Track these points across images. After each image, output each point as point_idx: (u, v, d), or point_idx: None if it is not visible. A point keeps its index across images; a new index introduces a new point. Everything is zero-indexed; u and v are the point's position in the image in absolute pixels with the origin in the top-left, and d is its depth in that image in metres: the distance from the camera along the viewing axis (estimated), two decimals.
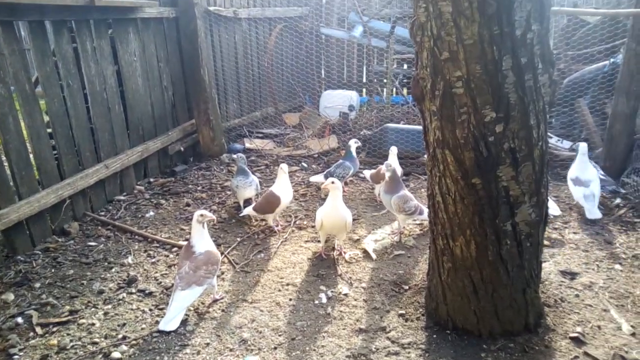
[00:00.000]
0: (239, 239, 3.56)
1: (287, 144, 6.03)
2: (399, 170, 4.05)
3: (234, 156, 4.01)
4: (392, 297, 2.74)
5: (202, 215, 2.68)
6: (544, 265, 2.69)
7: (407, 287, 2.83)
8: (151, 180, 4.81)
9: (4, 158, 3.33)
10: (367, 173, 4.31)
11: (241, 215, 3.77)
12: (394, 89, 7.05)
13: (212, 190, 4.57)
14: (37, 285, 3.00)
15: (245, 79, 6.49)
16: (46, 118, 3.66)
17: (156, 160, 4.96)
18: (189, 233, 3.12)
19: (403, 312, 2.58)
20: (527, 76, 1.90)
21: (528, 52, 1.87)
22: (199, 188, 4.64)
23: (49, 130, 3.68)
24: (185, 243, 2.89)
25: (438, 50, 1.93)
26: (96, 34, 4.03)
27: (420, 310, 2.58)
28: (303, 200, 4.29)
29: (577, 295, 2.67)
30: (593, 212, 3.53)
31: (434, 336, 2.37)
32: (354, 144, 4.39)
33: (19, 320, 2.65)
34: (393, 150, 4.10)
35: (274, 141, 6.12)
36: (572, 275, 2.87)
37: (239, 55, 6.31)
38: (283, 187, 3.59)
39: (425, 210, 3.25)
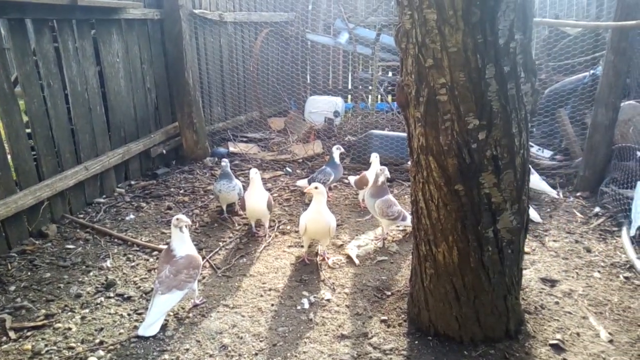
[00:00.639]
0: (221, 244, 3.52)
1: (272, 149, 6.00)
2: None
3: (223, 163, 3.94)
4: (374, 303, 2.74)
5: (177, 219, 2.65)
6: (524, 272, 2.72)
7: (389, 293, 2.83)
8: (132, 182, 4.73)
9: None
10: (352, 179, 4.32)
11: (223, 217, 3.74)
12: (379, 96, 7.10)
13: (195, 194, 4.52)
14: (12, 288, 2.92)
15: (230, 83, 6.46)
16: (25, 118, 3.59)
17: (138, 162, 4.89)
18: (170, 237, 3.08)
19: (385, 318, 2.58)
20: (510, 85, 1.93)
21: (511, 61, 1.89)
22: (181, 191, 4.58)
23: (28, 130, 3.60)
24: (165, 247, 2.85)
25: (422, 57, 1.95)
26: (78, 34, 3.97)
27: (403, 316, 2.58)
28: (287, 205, 4.27)
29: (557, 303, 2.71)
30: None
31: (416, 342, 2.37)
32: (336, 150, 4.38)
33: None
34: (375, 158, 4.09)
35: (258, 145, 6.10)
36: (552, 283, 2.91)
37: (224, 58, 6.28)
38: (254, 192, 3.51)
39: (409, 217, 3.27)
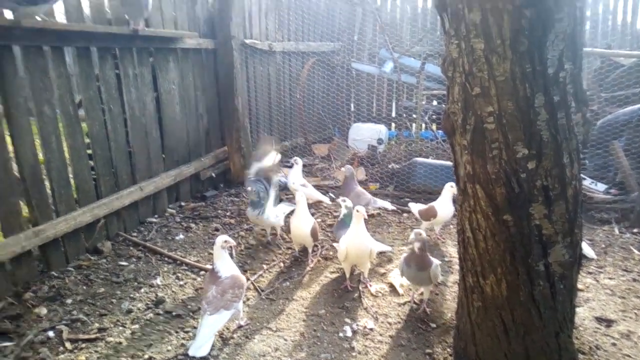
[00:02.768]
0: (265, 266, 3.58)
1: (315, 174, 6.09)
2: (451, 211, 3.89)
3: (248, 188, 3.93)
4: (418, 335, 2.69)
5: (225, 241, 2.73)
6: (577, 310, 2.60)
7: (434, 325, 2.77)
8: (182, 204, 4.92)
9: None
10: (414, 208, 4.12)
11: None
12: (423, 124, 7.09)
13: (241, 217, 4.63)
14: (69, 301, 3.08)
15: (277, 110, 6.66)
16: (87, 140, 3.84)
17: (188, 184, 5.09)
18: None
19: (430, 351, 2.53)
20: (560, 114, 1.91)
21: (561, 90, 1.88)
22: (228, 213, 4.71)
23: (89, 151, 3.84)
24: (210, 268, 2.94)
25: (469, 85, 1.97)
26: (138, 62, 4.24)
27: (448, 350, 2.52)
28: (329, 231, 4.30)
29: (614, 344, 2.56)
30: None
31: None
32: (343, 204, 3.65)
33: (50, 334, 2.71)
34: (448, 188, 3.87)
35: (302, 171, 6.19)
36: (608, 323, 2.76)
37: (272, 86, 6.50)
38: (299, 217, 3.54)
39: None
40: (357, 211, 3.06)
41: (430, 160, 5.30)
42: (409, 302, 3.05)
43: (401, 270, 2.93)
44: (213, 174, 5.40)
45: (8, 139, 3.12)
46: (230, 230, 4.28)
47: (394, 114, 7.87)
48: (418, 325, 2.78)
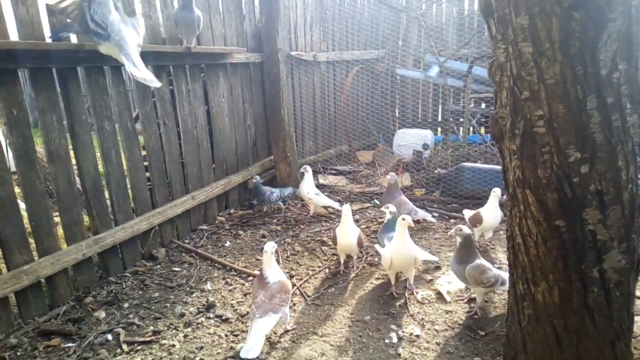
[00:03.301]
0: (310, 272, 3.63)
1: (360, 181, 6.10)
2: (499, 216, 3.83)
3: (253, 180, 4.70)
4: (467, 343, 2.64)
5: (273, 246, 2.80)
6: (637, 319, 2.46)
7: (483, 333, 2.71)
8: (231, 211, 5.08)
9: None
10: (467, 213, 4.10)
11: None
12: (471, 128, 6.94)
13: (287, 224, 4.72)
14: (126, 305, 3.26)
15: (321, 118, 6.74)
16: (143, 152, 4.05)
17: (237, 193, 5.25)
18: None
19: (478, 359, 2.47)
20: (614, 116, 1.83)
21: (615, 91, 1.81)
22: (275, 221, 4.81)
23: (145, 163, 4.05)
24: (258, 273, 3.01)
25: (518, 89, 1.93)
26: (191, 78, 4.44)
27: (498, 358, 2.46)
28: (374, 237, 4.29)
29: None
30: None
31: None
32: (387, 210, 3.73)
33: (109, 336, 2.87)
34: (496, 192, 3.81)
35: (347, 178, 6.23)
36: None
37: (317, 95, 6.60)
38: (346, 228, 3.54)
39: (507, 279, 2.69)
40: (403, 219, 3.06)
41: (478, 165, 5.18)
42: (468, 306, 2.99)
43: (451, 265, 3.06)
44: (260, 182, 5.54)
45: (72, 153, 3.36)
46: (277, 237, 4.37)
47: (439, 119, 7.76)
48: (466, 332, 2.73)
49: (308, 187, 4.81)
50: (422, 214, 4.33)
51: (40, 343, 2.82)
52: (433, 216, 4.53)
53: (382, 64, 7.52)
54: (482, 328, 2.76)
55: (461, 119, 7.04)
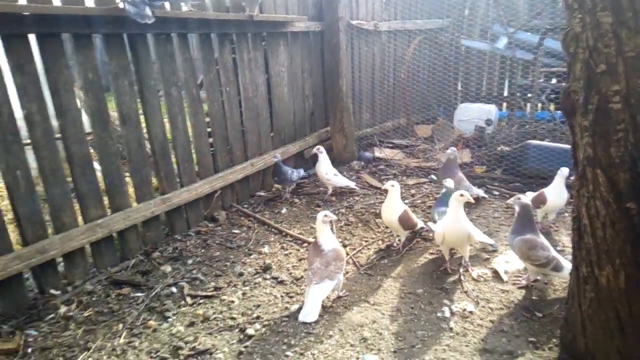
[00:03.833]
0: (364, 243, 3.67)
1: (417, 155, 6.00)
2: (565, 197, 3.64)
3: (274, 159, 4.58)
4: (522, 323, 2.59)
5: (326, 215, 2.85)
6: None
7: (540, 315, 2.65)
8: None
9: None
10: (530, 196, 3.87)
11: None
12: (540, 104, 6.58)
13: (342, 195, 4.77)
14: (190, 261, 3.46)
15: (380, 90, 6.64)
16: (206, 119, 4.20)
17: (293, 162, 5.34)
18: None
19: (534, 339, 2.43)
20: None
21: None
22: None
23: (209, 129, 4.21)
24: (313, 240, 3.09)
25: (594, 62, 1.81)
26: (252, 46, 4.51)
27: (554, 340, 2.40)
28: (429, 212, 4.24)
29: None
30: None
31: None
32: (445, 183, 3.69)
33: (174, 289, 3.09)
34: (562, 172, 3.63)
35: (403, 152, 6.15)
36: None
37: (376, 66, 6.48)
38: (389, 205, 3.46)
39: (565, 266, 2.66)
40: (461, 195, 2.99)
41: (545, 143, 4.93)
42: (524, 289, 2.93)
43: (507, 237, 3.00)
44: None
45: (142, 118, 3.55)
46: (331, 207, 4.43)
47: (505, 93, 7.40)
48: (522, 313, 2.67)
49: (325, 167, 4.65)
50: (476, 190, 4.25)
51: (112, 291, 3.08)
52: (493, 195, 4.40)
53: (446, 34, 7.23)
54: (539, 309, 2.69)
55: (529, 94, 6.69)
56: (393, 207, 3.43)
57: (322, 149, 4.73)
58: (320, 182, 4.93)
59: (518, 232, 2.85)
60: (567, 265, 2.63)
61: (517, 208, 2.90)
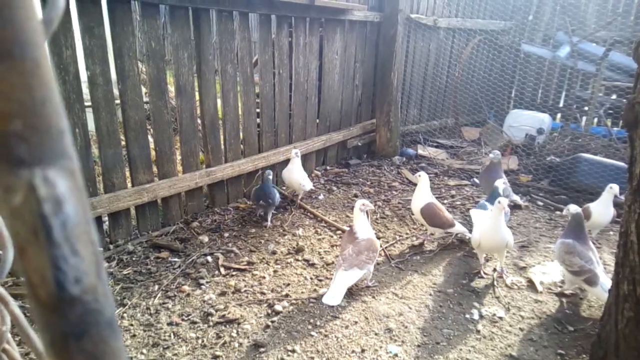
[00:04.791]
0: (397, 237, 3.67)
1: (461, 157, 5.90)
2: (611, 214, 3.56)
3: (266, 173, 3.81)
4: (552, 334, 2.53)
5: (363, 204, 2.86)
6: None
7: (572, 329, 2.58)
8: (328, 168, 5.23)
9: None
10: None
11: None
12: (596, 119, 6.31)
13: (380, 187, 4.76)
14: (226, 234, 3.57)
15: (431, 87, 6.54)
16: (256, 100, 4.28)
17: (335, 150, 5.37)
18: (353, 221, 3.35)
19: (562, 352, 2.37)
20: None
21: None
22: (368, 183, 4.87)
23: (257, 110, 4.29)
24: (348, 228, 3.12)
25: None
26: (309, 31, 4.54)
27: (583, 356, 2.34)
28: (468, 215, 4.18)
29: None
30: None
31: None
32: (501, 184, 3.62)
33: (209, 259, 3.20)
34: (612, 189, 3.50)
35: (447, 152, 6.05)
36: None
37: (430, 63, 6.38)
38: (416, 195, 3.51)
39: (601, 283, 2.58)
40: (499, 202, 2.92)
41: (598, 158, 4.73)
42: (558, 300, 2.86)
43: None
44: (359, 144, 5.60)
45: (196, 92, 3.66)
46: (368, 198, 4.43)
47: (561, 104, 7.12)
48: (554, 325, 2.61)
49: (300, 173, 4.11)
50: (514, 197, 4.21)
51: (152, 253, 3.23)
52: (537, 205, 4.28)
53: (507, 36, 7.02)
54: (571, 324, 2.62)
55: (586, 108, 6.42)
56: (418, 197, 3.45)
57: (298, 152, 4.15)
58: (352, 175, 4.82)
59: (564, 236, 2.88)
60: (604, 283, 2.55)
61: (569, 217, 2.90)
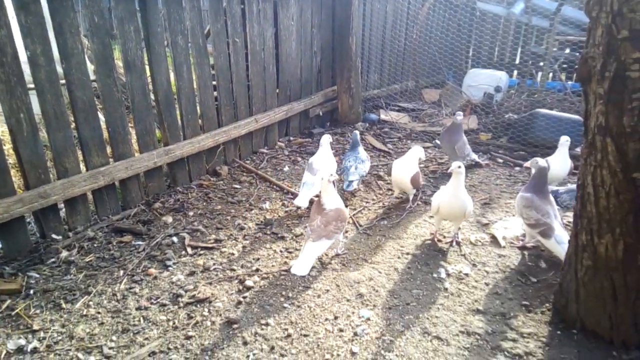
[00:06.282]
0: (364, 204, 3.69)
1: (423, 120, 5.94)
2: (568, 166, 3.70)
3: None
4: (516, 287, 2.63)
5: (331, 174, 2.84)
6: None
7: (535, 280, 2.68)
8: (291, 138, 5.16)
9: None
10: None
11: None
12: (551, 73, 6.45)
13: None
14: (191, 213, 3.49)
15: (390, 51, 6.49)
16: (212, 72, 4.12)
17: (297, 120, 5.29)
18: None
19: (527, 303, 2.47)
20: None
21: None
22: (333, 151, 4.83)
23: (214, 82, 4.14)
24: (316, 199, 3.09)
25: (616, 28, 1.75)
26: None
27: (547, 305, 2.44)
28: (432, 177, 4.25)
29: None
30: None
31: (558, 332, 2.24)
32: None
33: (175, 239, 3.12)
34: (564, 141, 3.63)
35: (409, 115, 6.08)
36: None
37: (388, 26, 6.31)
38: (402, 164, 3.52)
39: (555, 236, 2.66)
40: (460, 167, 2.86)
41: (554, 112, 4.85)
42: (520, 252, 2.96)
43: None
44: (321, 112, 5.54)
45: (147, 67, 3.48)
46: None
47: (517, 61, 7.24)
48: (517, 277, 2.71)
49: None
50: (474, 156, 4.35)
51: (114, 238, 3.12)
52: (497, 162, 4.38)
53: None
54: (534, 275, 2.73)
55: (541, 63, 6.54)
56: (405, 167, 3.49)
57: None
58: (316, 145, 4.79)
59: (524, 190, 2.93)
60: (559, 236, 2.64)
61: (533, 170, 2.94)
